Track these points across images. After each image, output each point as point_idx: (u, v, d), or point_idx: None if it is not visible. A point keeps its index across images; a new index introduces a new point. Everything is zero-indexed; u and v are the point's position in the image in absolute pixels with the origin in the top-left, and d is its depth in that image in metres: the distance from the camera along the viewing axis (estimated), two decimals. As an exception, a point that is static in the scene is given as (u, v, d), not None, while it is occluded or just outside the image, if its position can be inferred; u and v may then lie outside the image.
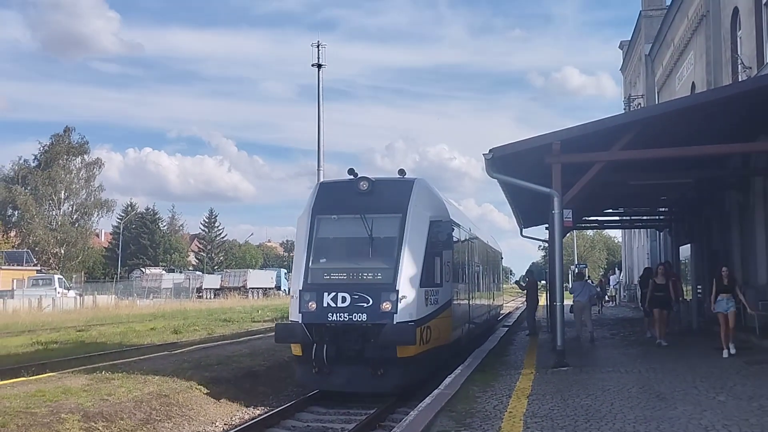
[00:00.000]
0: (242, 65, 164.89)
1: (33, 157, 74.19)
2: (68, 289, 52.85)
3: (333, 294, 11.72)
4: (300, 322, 11.77)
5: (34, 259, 62.69)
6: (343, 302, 11.64)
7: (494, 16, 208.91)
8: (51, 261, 69.91)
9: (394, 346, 11.33)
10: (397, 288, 11.66)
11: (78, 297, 49.41)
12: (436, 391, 9.88)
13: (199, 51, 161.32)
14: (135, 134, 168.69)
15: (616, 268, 51.67)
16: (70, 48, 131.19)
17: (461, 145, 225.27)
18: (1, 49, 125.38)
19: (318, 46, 34.71)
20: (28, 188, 71.25)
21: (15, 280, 52.55)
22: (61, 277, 55.63)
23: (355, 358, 11.58)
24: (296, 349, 12.06)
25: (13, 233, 69.90)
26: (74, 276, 64.36)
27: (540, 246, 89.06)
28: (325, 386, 12.18)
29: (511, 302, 58.74)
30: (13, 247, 64.36)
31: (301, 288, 12.12)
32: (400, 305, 11.53)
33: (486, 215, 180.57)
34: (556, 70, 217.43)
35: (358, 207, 12.50)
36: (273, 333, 12.76)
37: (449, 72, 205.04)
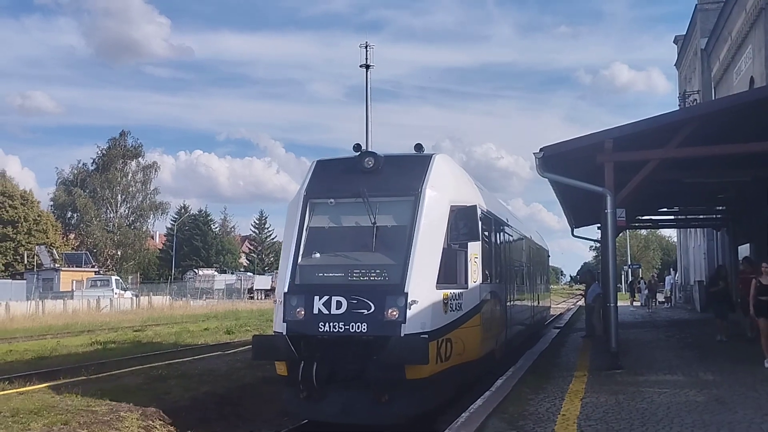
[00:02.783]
0: (290, 67, 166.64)
1: (91, 161, 76.53)
2: (125, 290, 54.27)
3: (326, 298, 9.42)
4: (284, 333, 9.47)
5: (93, 261, 64.53)
6: (338, 308, 9.35)
7: (542, 13, 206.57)
8: (108, 262, 71.90)
9: (402, 366, 8.96)
10: (406, 290, 9.28)
11: (134, 298, 50.69)
12: (487, 393, 9.81)
13: (247, 54, 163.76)
14: (186, 137, 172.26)
15: (671, 269, 50.44)
16: (123, 53, 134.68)
17: (508, 145, 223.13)
18: (58, 56, 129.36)
19: (366, 47, 34.97)
20: (87, 191, 73.43)
21: (74, 281, 54.21)
22: (119, 278, 57.13)
23: (353, 379, 9.23)
24: (281, 368, 9.70)
25: (72, 235, 72.11)
26: (130, 277, 66.06)
27: (591, 246, 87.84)
28: (315, 415, 9.71)
29: (562, 303, 57.92)
30: (72, 249, 66.38)
31: (286, 290, 9.77)
32: (409, 312, 9.20)
33: (535, 215, 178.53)
34: (605, 68, 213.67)
35: (361, 189, 10.10)
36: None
37: (496, 71, 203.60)
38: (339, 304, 9.38)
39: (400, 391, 9.14)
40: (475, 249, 10.84)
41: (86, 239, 71.29)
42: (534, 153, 12.73)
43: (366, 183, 10.19)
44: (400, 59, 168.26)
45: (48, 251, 56.92)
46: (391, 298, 9.29)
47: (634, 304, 42.40)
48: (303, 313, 9.49)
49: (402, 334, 9.07)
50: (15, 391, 12.32)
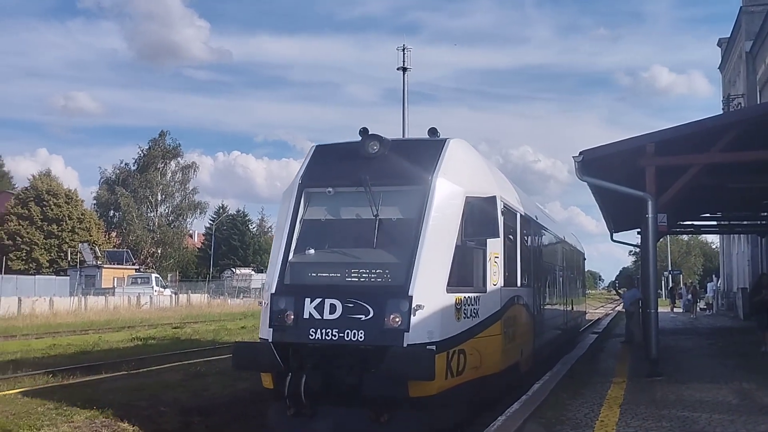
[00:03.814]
0: (327, 70, 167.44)
1: (133, 161, 77.96)
2: (164, 287, 55.16)
3: (318, 301, 8.29)
4: (269, 340, 8.34)
5: (133, 259, 65.69)
6: (331, 313, 8.21)
7: (581, 15, 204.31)
8: (148, 260, 73.11)
9: (404, 381, 7.81)
10: (410, 293, 8.10)
11: (173, 295, 51.50)
12: (524, 397, 9.74)
13: (285, 57, 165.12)
14: (224, 138, 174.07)
15: (714, 275, 49.46)
16: (164, 56, 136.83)
17: (546, 147, 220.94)
18: (101, 59, 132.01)
19: (403, 50, 34.95)
20: (129, 190, 74.81)
21: (116, 279, 55.30)
22: (158, 276, 58.08)
23: (349, 395, 8.02)
24: (266, 380, 8.56)
25: (114, 233, 73.51)
26: (169, 275, 67.17)
27: (631, 251, 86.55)
28: None
29: (600, 309, 57.17)
30: (114, 246, 67.66)
31: (273, 291, 8.66)
32: (414, 318, 8.02)
33: (572, 218, 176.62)
34: (645, 70, 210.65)
35: (363, 177, 8.94)
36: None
37: (534, 73, 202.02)
38: (333, 308, 8.26)
39: (403, 410, 8.01)
40: (495, 247, 9.68)
41: (127, 237, 72.60)
42: (573, 156, 12.61)
43: (369, 170, 9.02)
44: (437, 61, 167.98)
45: (91, 249, 58.12)
46: (393, 302, 8.14)
47: (675, 310, 41.69)
48: (292, 317, 8.37)
49: (404, 344, 7.93)
50: (59, 384, 12.64)
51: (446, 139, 9.68)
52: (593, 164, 12.77)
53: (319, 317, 8.25)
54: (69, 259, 56.14)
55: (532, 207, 14.15)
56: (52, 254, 57.29)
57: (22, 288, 42.82)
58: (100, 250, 59.74)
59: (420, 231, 8.58)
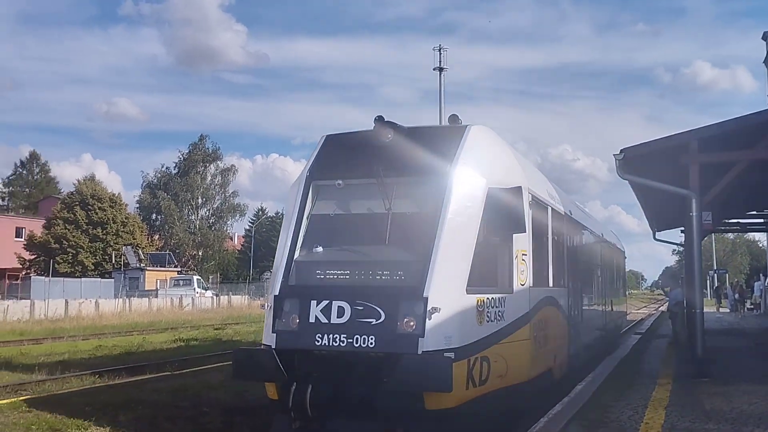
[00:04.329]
0: (364, 72, 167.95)
1: (173, 165, 79.22)
2: (205, 289, 55.99)
3: (325, 303, 7.65)
4: (273, 347, 7.73)
5: (175, 261, 66.74)
6: (339, 316, 7.57)
7: (620, 11, 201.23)
8: (190, 262, 74.25)
9: (420, 393, 7.16)
10: (425, 294, 7.41)
11: (214, 297, 52.20)
12: (566, 399, 9.62)
13: (322, 59, 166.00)
14: (262, 141, 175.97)
15: (761, 274, 48.23)
16: (202, 61, 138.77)
17: (585, 146, 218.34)
18: (141, 65, 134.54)
19: (440, 50, 34.91)
20: (170, 194, 76.06)
21: (158, 281, 56.25)
22: (200, 277, 58.96)
23: (358, 408, 7.36)
24: (270, 390, 7.93)
25: (156, 236, 74.82)
26: (210, 277, 68.08)
27: (674, 250, 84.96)
28: None
29: (643, 309, 56.21)
30: (156, 249, 68.84)
31: (277, 293, 8.05)
32: (429, 323, 7.31)
33: (613, 218, 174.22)
34: (686, 65, 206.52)
35: (376, 168, 8.27)
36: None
37: (572, 71, 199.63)
38: (341, 311, 7.58)
39: (419, 425, 7.31)
40: (522, 244, 8.92)
41: (169, 240, 73.82)
42: (614, 154, 12.42)
43: (382, 160, 8.29)
44: (474, 61, 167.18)
45: (134, 251, 59.27)
46: (407, 305, 7.44)
47: (721, 310, 40.80)
48: (297, 321, 7.77)
49: (419, 352, 7.22)
50: (105, 384, 12.91)
51: (467, 125, 8.90)
52: (634, 162, 12.57)
53: (326, 321, 7.60)
54: (113, 261, 57.29)
55: (566, 201, 13.22)
56: (98, 257, 58.51)
57: (69, 290, 43.90)
58: (143, 253, 60.85)
59: (437, 226, 7.83)
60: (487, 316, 8.07)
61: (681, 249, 30.00)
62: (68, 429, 9.49)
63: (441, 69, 35.31)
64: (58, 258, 55.67)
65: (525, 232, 8.80)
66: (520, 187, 8.57)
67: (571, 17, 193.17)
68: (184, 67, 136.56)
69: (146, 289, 53.27)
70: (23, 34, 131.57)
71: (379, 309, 7.50)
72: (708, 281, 60.37)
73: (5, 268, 56.85)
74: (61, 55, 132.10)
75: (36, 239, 59.02)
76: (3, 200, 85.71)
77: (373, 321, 7.48)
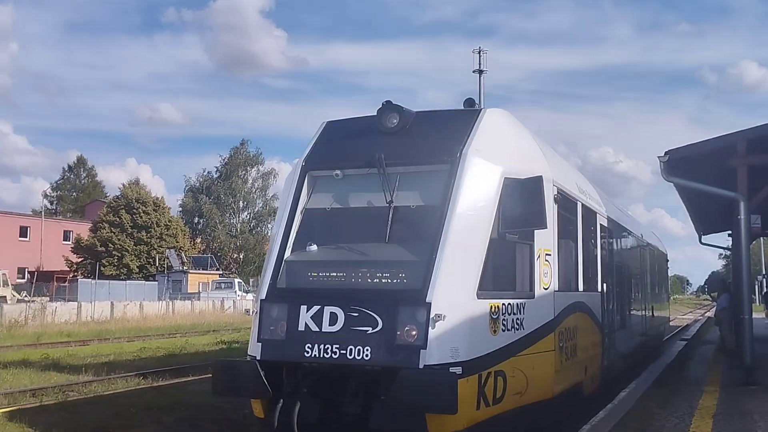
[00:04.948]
0: (402, 75, 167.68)
1: (215, 169, 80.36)
2: (247, 292, 56.53)
3: (316, 308, 6.84)
4: (257, 358, 6.96)
5: (217, 264, 67.63)
6: (332, 324, 6.73)
7: (663, 11, 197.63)
8: (231, 266, 75.17)
9: (421, 414, 6.32)
10: (428, 298, 6.56)
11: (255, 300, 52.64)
12: (610, 405, 9.46)
13: (361, 63, 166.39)
14: (302, 145, 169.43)
15: (812, 279, 46.79)
16: (243, 66, 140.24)
17: (627, 148, 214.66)
18: (183, 71, 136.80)
19: (479, 52, 34.77)
20: (212, 197, 77.16)
21: (201, 283, 57.09)
22: (241, 281, 59.59)
23: (352, 429, 6.74)
24: (257, 408, 7.16)
25: (199, 239, 75.95)
26: (251, 280, 68.77)
27: (721, 254, 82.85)
28: None
29: (689, 314, 55.03)
30: (199, 252, 69.87)
31: (264, 297, 7.30)
32: (433, 332, 6.44)
33: (657, 221, 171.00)
34: (732, 66, 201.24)
35: (378, 156, 7.42)
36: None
37: (614, 72, 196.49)
38: (334, 318, 6.75)
39: None
40: (545, 242, 7.99)
41: (211, 243, 74.86)
42: (658, 157, 12.18)
43: (385, 147, 7.47)
44: (513, 63, 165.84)
45: (177, 254, 60.25)
46: (407, 311, 6.58)
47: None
48: (285, 329, 6.95)
49: (420, 365, 6.35)
50: (149, 386, 13.12)
51: (482, 108, 8.08)
52: (679, 164, 12.31)
53: (317, 329, 6.77)
54: (157, 264, 58.31)
55: (601, 199, 12.29)
56: (142, 260, 59.60)
57: (114, 293, 44.85)
58: (185, 256, 61.82)
59: (443, 220, 6.94)
60: (503, 325, 7.14)
61: (728, 253, 29.28)
62: (114, 430, 9.66)
63: (480, 71, 35.20)
64: (104, 261, 56.88)
65: (546, 227, 7.66)
66: (540, 177, 7.55)
67: (613, 18, 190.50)
68: (225, 72, 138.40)
69: (189, 291, 54.09)
70: (70, 42, 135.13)
71: (375, 316, 6.64)
72: (756, 286, 58.80)
73: (53, 271, 58.30)
74: (107, 62, 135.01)
75: (83, 242, 60.48)
76: (51, 204, 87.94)
77: (369, 329, 6.62)
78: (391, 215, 7.29)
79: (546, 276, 8.05)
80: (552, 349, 8.09)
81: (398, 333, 6.55)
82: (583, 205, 10.02)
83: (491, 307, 7.01)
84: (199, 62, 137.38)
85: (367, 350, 6.57)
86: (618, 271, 13.04)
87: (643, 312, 17.02)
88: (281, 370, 6.91)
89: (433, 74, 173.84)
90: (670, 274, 31.00)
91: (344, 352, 6.62)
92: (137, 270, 58.92)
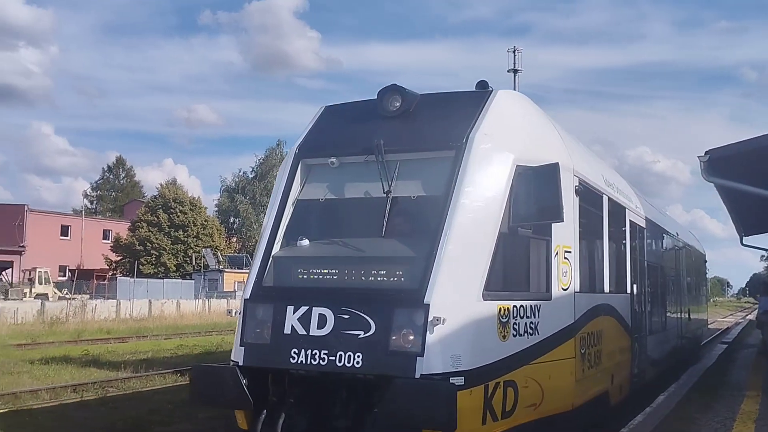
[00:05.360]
0: (437, 75, 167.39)
1: (251, 169, 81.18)
2: (281, 291, 56.90)
3: (304, 309, 6.24)
4: (240, 363, 6.39)
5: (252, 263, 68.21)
6: (320, 327, 6.13)
7: (702, 8, 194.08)
8: (266, 265, 75.81)
9: (417, 429, 5.65)
10: (426, 299, 5.88)
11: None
12: (648, 409, 9.31)
13: (394, 63, 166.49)
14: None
15: None
16: (277, 67, 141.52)
17: (665, 148, 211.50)
18: (219, 72, 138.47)
19: (514, 51, 34.43)
20: (247, 197, 77.95)
21: (236, 282, 57.66)
22: (275, 280, 59.99)
23: None
24: (240, 418, 6.58)
25: (234, 239, 76.79)
26: (286, 279, 69.26)
27: (763, 256, 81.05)
28: None
29: (729, 317, 53.92)
30: (234, 251, 70.64)
31: (248, 296, 6.71)
32: (431, 337, 5.77)
33: (696, 222, 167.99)
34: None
35: (377, 141, 6.75)
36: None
37: (652, 71, 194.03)
38: (323, 320, 6.13)
39: None
40: (564, 238, 7.28)
41: (247, 243, 75.62)
42: (698, 156, 11.93)
43: (385, 133, 6.84)
44: (548, 62, 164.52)
45: (213, 254, 61.02)
46: (402, 313, 5.93)
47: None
48: (270, 332, 6.35)
49: (416, 375, 5.69)
50: (186, 383, 13.27)
51: (491, 90, 7.27)
52: (720, 164, 12.05)
53: (304, 333, 6.16)
54: (194, 263, 59.10)
55: (632, 194, 11.52)
56: (179, 259, 60.49)
57: (152, 291, 45.62)
58: (221, 255, 62.54)
59: (446, 212, 6.25)
60: (514, 329, 6.42)
61: (770, 255, 28.59)
62: (151, 426, 9.81)
63: (515, 71, 34.83)
64: (142, 259, 57.87)
65: (562, 220, 6.80)
66: (556, 164, 6.74)
67: (650, 16, 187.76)
68: (259, 73, 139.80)
69: (225, 290, 54.71)
70: (109, 44, 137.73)
71: (368, 318, 6.00)
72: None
73: (93, 269, 59.49)
74: (144, 64, 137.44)
75: (122, 241, 61.62)
76: (91, 204, 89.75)
77: (361, 333, 5.97)
78: (388, 207, 6.61)
79: (565, 275, 7.34)
80: (572, 356, 7.38)
81: (393, 338, 5.90)
82: (609, 198, 9.30)
83: (500, 309, 6.30)
84: (234, 63, 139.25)
85: (358, 357, 5.93)
86: (650, 272, 12.29)
87: (679, 315, 16.18)
88: (266, 378, 6.41)
89: (467, 74, 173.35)
90: (709, 276, 30.23)
91: (333, 358, 5.99)
92: (174, 269, 59.80)
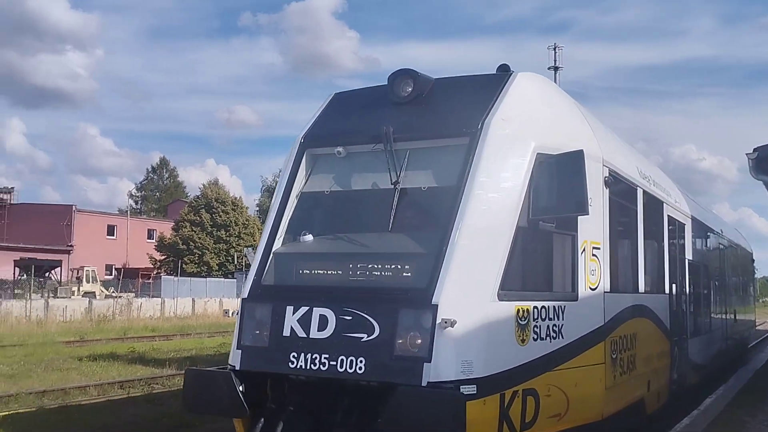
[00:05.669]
0: (476, 74, 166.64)
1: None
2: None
3: (304, 310, 5.85)
4: (237, 367, 6.04)
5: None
6: (321, 329, 5.73)
7: (748, 3, 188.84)
8: (307, 264, 76.37)
9: None
10: (434, 300, 5.42)
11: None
12: (695, 412, 9.13)
13: (432, 62, 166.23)
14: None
15: None
16: (316, 67, 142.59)
17: (711, 145, 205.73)
18: (259, 74, 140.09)
19: (555, 49, 34.16)
20: (288, 198, 78.62)
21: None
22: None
23: None
24: (238, 426, 6.20)
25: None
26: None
27: (815, 254, 78.46)
28: None
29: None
30: (275, 251, 71.18)
31: (246, 296, 6.36)
32: (439, 341, 5.31)
33: (744, 220, 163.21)
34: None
35: (386, 129, 6.32)
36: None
37: (695, 67, 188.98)
38: (323, 322, 5.73)
39: None
40: (592, 233, 6.72)
41: (287, 242, 76.27)
42: (747, 153, 11.63)
43: (396, 120, 6.40)
44: (588, 59, 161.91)
45: (254, 253, 61.62)
46: (408, 315, 5.48)
47: None
48: (268, 334, 5.96)
49: (423, 383, 5.25)
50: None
51: (511, 72, 6.73)
52: (770, 161, 11.75)
53: (304, 335, 5.76)
54: (236, 262, 59.84)
55: (670, 187, 10.83)
56: (221, 258, 61.28)
57: (196, 290, 46.37)
58: (263, 255, 63.09)
59: (458, 204, 5.77)
60: (535, 333, 5.90)
61: (823, 254, 27.68)
62: (195, 423, 9.96)
63: (556, 68, 34.55)
64: (185, 258, 58.79)
65: (587, 213, 6.23)
66: (581, 152, 6.22)
67: (694, 10, 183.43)
68: (299, 74, 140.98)
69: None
70: (152, 49, 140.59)
71: (371, 320, 5.55)
72: None
73: (138, 268, 60.71)
74: (186, 67, 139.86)
75: (165, 240, 62.69)
76: (136, 204, 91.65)
77: (364, 336, 5.53)
78: (396, 199, 6.13)
79: (593, 274, 6.76)
80: (601, 361, 6.80)
81: (398, 342, 5.43)
82: (645, 192, 8.68)
83: (518, 310, 5.78)
84: (274, 65, 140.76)
85: (360, 362, 5.49)
86: (692, 271, 11.61)
87: (724, 316, 15.44)
88: (265, 383, 6.04)
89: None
90: (758, 276, 29.40)
91: (334, 363, 5.56)
92: (217, 268, 60.61)
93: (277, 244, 6.53)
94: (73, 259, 59.17)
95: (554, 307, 6.14)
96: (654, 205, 9.21)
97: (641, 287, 8.45)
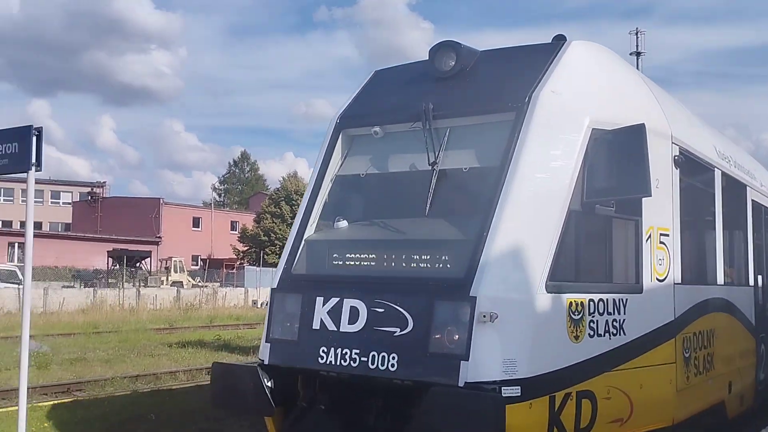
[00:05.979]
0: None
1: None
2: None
3: (334, 301, 5.42)
4: (266, 362, 5.69)
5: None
6: (352, 321, 5.30)
7: None
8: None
9: None
10: (473, 291, 4.89)
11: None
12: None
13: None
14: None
15: None
16: (392, 60, 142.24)
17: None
18: (335, 67, 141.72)
19: (637, 34, 33.21)
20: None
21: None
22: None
23: None
24: (268, 424, 5.88)
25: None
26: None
27: None
28: None
29: None
30: (353, 241, 71.98)
31: (275, 286, 5.95)
32: (478, 337, 4.80)
33: None
34: None
35: (424, 105, 5.80)
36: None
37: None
38: (354, 314, 5.30)
39: None
40: (660, 217, 6.07)
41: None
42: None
43: (437, 96, 5.89)
44: (674, 43, 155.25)
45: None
46: (444, 308, 4.99)
47: None
48: (297, 327, 5.57)
49: (460, 383, 4.74)
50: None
51: (564, 41, 6.10)
52: None
53: (334, 329, 5.34)
54: (315, 253, 60.86)
55: (756, 169, 9.97)
56: (301, 249, 62.43)
57: (277, 280, 47.43)
58: (340, 245, 63.87)
59: (501, 186, 5.20)
60: (591, 328, 5.29)
61: None
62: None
63: (638, 53, 33.57)
64: (267, 249, 60.24)
65: (650, 194, 5.49)
66: (642, 125, 5.48)
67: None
68: (374, 66, 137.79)
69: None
70: (233, 45, 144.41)
71: (405, 313, 5.08)
72: None
73: (223, 258, 62.65)
74: (266, 62, 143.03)
75: (247, 232, 64.40)
76: (219, 196, 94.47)
77: (397, 331, 5.07)
78: (434, 181, 5.61)
79: (661, 263, 6.09)
80: (671, 360, 6.14)
81: (433, 337, 4.95)
82: (724, 173, 7.91)
83: (570, 303, 5.17)
84: (350, 58, 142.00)
85: (393, 358, 5.02)
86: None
87: None
88: (296, 379, 5.69)
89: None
90: None
91: (365, 359, 5.12)
92: (296, 258, 61.69)
93: (309, 231, 6.13)
94: (162, 249, 61.65)
95: (614, 300, 5.54)
96: (735, 188, 8.48)
97: (719, 279, 7.71)
